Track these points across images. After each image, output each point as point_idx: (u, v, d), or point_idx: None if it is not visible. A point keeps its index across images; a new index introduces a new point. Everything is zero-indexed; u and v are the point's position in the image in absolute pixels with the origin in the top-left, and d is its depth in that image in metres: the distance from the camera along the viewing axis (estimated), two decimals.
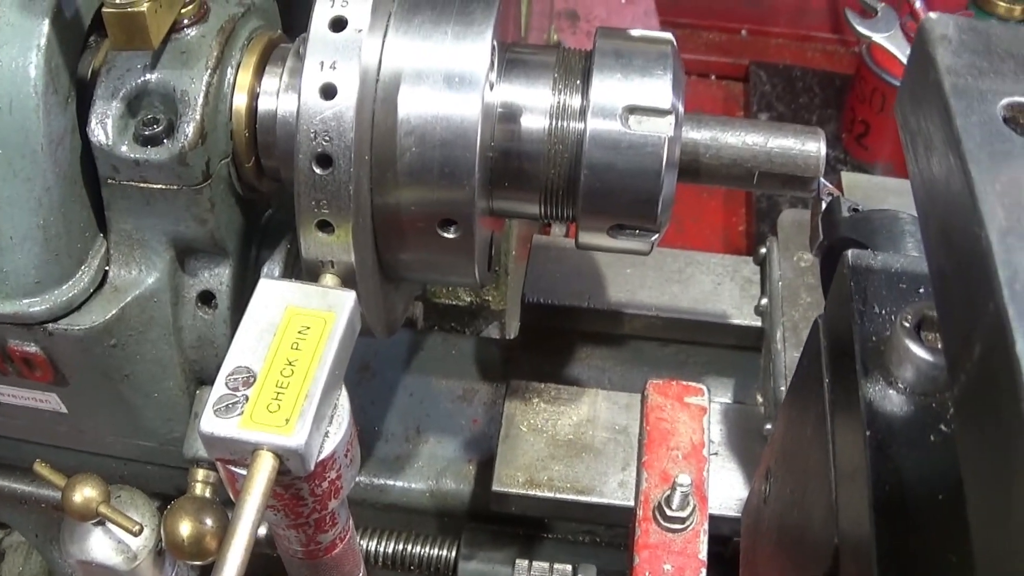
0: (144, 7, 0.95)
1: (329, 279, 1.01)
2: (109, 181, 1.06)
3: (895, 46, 1.57)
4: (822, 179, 1.07)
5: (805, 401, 0.85)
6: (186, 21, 1.06)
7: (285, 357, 0.92)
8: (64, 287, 1.08)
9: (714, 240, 2.49)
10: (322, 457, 0.92)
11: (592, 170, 1.02)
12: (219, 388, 0.91)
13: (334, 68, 0.93)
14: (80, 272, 1.09)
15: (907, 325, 0.69)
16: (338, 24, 0.94)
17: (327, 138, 0.93)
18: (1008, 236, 0.46)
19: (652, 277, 1.47)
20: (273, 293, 0.97)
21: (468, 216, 1.01)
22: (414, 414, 1.43)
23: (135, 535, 1.17)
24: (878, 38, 1.57)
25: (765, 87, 2.76)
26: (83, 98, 1.06)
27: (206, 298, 1.15)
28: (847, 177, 1.38)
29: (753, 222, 2.45)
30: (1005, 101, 0.53)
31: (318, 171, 0.95)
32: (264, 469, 0.88)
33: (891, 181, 1.41)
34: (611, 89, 1.02)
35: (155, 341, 1.14)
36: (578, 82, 1.05)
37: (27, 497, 1.40)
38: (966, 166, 0.49)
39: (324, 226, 0.98)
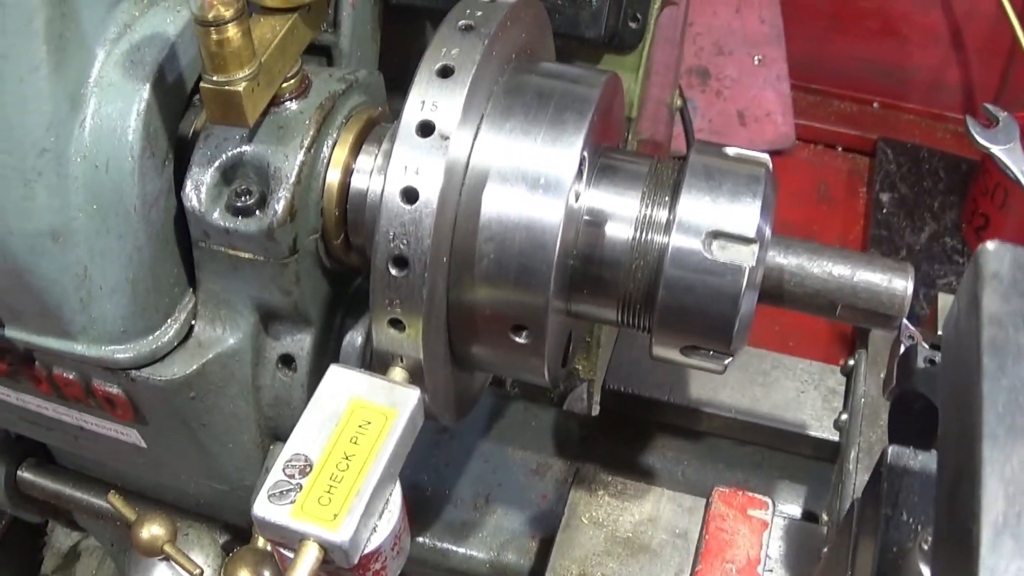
0: (241, 87, 0.97)
1: (398, 373, 1.02)
2: (200, 244, 1.09)
3: (1013, 161, 1.52)
4: (906, 320, 1.04)
5: (834, 572, 0.83)
6: (287, 95, 1.08)
7: (343, 450, 0.94)
8: (149, 338, 1.11)
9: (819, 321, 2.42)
10: (368, 551, 0.93)
11: (670, 289, 1.01)
12: (276, 473, 0.93)
13: (417, 173, 0.95)
14: (166, 325, 1.13)
15: (925, 548, 0.66)
16: (426, 129, 0.95)
17: (405, 241, 0.95)
18: (1001, 534, 0.44)
19: (736, 377, 1.45)
20: (341, 382, 0.98)
21: (540, 324, 1.02)
22: (486, 482, 1.44)
23: None
24: (996, 150, 1.51)
25: (891, 165, 2.68)
26: (182, 157, 1.08)
27: (287, 361, 1.17)
28: (943, 299, 1.34)
29: None
30: None
31: (394, 272, 0.96)
32: (309, 559, 0.90)
33: None
34: (698, 209, 1.01)
35: (233, 397, 1.17)
36: (667, 197, 1.04)
37: (104, 512, 1.45)
38: (979, 441, 0.47)
39: (396, 324, 0.99)
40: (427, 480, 1.45)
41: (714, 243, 1.01)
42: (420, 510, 1.42)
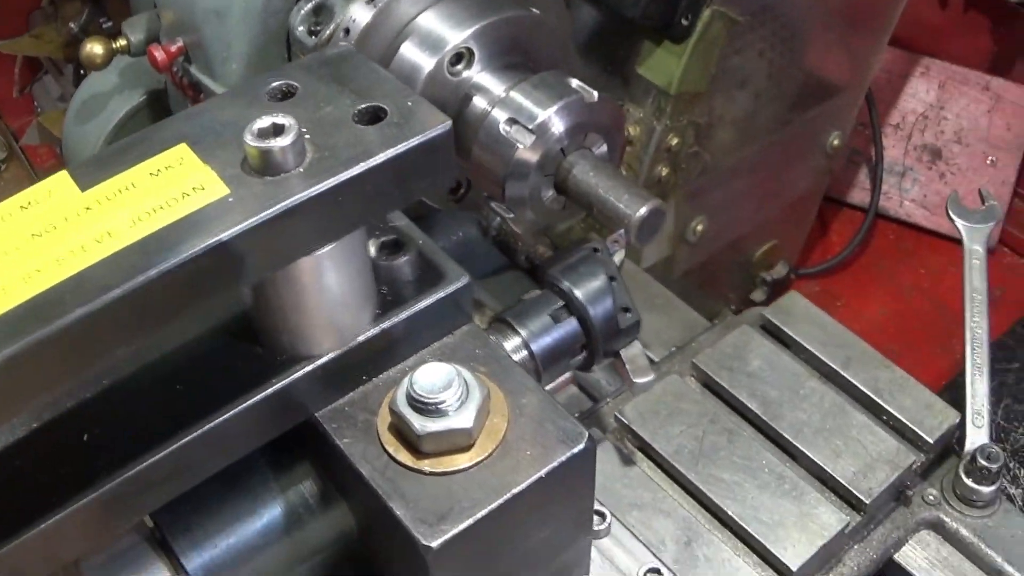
0: None
1: None
2: (293, 48, 1.83)
3: (971, 239, 1.79)
4: (621, 233, 1.51)
5: None
6: None
7: None
8: None
9: None
10: None
11: (478, 146, 1.58)
12: None
13: (354, 21, 1.61)
14: None
15: None
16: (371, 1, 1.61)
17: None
18: None
19: None
20: None
21: None
22: None
23: None
24: (962, 224, 1.80)
25: None
26: None
27: None
28: (794, 296, 1.71)
29: None
30: None
31: None
32: None
33: (825, 319, 1.69)
34: (516, 99, 1.57)
35: None
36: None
37: None
38: None
39: None
40: None
41: (514, 126, 1.56)
42: None
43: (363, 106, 1.11)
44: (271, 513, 1.23)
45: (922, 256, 2.84)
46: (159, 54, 1.95)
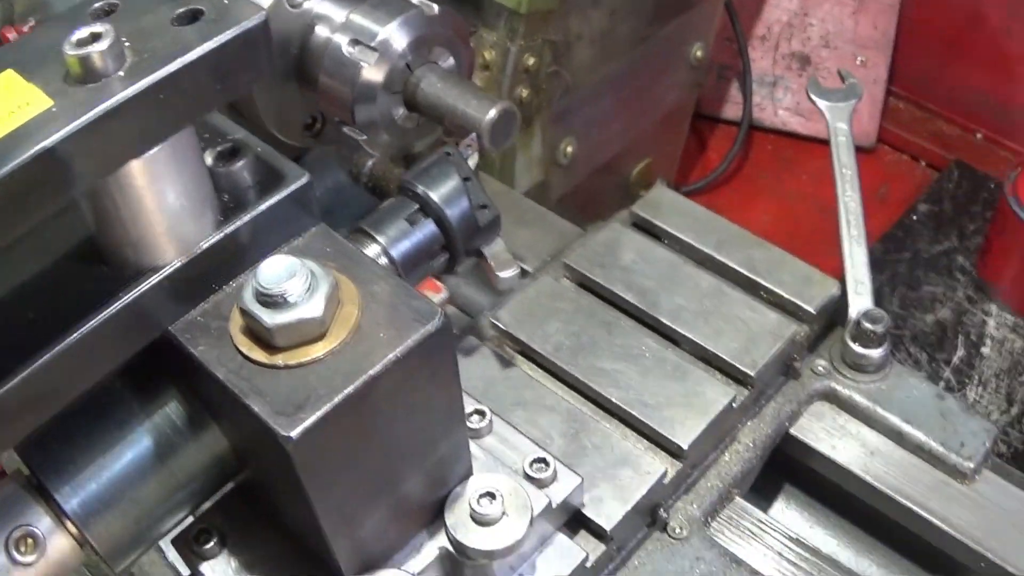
0: None
1: None
2: None
3: (833, 116, 1.85)
4: (474, 136, 1.53)
5: None
6: None
7: None
8: None
9: None
10: None
11: (325, 76, 1.60)
12: None
13: None
14: None
15: None
16: None
17: None
18: None
19: None
20: None
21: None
22: None
23: None
24: (823, 104, 1.85)
25: (950, 184, 2.82)
26: None
27: None
28: (660, 189, 1.75)
29: None
30: None
31: None
32: None
33: (694, 207, 1.74)
34: (357, 22, 1.58)
35: None
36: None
37: None
38: None
39: None
40: None
41: (356, 46, 1.57)
42: None
43: (181, 10, 1.13)
44: (141, 442, 1.24)
45: (802, 162, 2.92)
46: (11, 36, 1.96)
